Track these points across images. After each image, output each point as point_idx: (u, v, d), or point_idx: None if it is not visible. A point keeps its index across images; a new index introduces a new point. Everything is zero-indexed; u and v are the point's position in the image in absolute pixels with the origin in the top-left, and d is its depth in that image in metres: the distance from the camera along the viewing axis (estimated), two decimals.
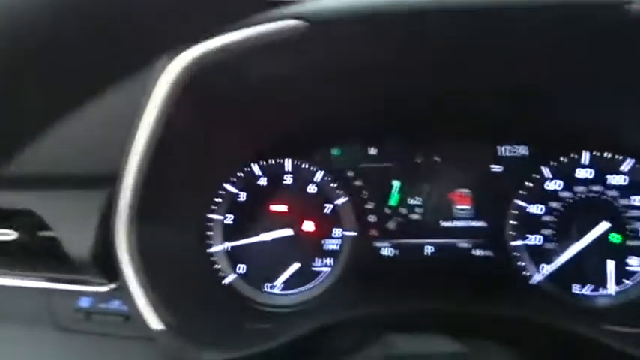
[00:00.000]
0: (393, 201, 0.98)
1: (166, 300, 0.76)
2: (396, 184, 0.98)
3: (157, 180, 0.74)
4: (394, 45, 0.65)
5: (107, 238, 0.73)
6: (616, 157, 0.91)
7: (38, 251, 0.81)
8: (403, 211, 0.98)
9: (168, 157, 0.74)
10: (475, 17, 0.60)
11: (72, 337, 0.85)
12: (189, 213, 0.92)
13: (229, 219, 0.99)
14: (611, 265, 0.89)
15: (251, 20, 0.58)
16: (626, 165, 0.90)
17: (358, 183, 0.99)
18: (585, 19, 0.60)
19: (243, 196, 0.99)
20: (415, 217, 0.98)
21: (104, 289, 0.79)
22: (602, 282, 0.90)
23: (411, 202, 0.98)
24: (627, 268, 0.90)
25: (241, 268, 0.98)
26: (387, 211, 0.98)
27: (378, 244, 0.98)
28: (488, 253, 0.95)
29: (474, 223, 0.96)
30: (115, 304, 0.83)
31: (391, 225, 0.98)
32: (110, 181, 0.74)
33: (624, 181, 0.90)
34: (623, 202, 0.90)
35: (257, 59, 0.64)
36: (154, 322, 0.74)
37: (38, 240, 0.81)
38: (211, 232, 0.98)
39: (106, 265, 0.76)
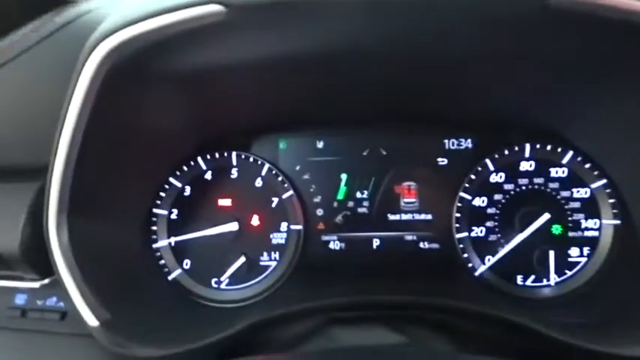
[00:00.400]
0: (341, 194, 0.98)
1: (103, 296, 0.74)
2: (344, 177, 0.98)
3: (88, 173, 0.72)
4: (322, 34, 0.64)
5: (39, 232, 0.71)
6: (557, 149, 0.92)
7: None
8: (350, 204, 0.98)
9: (98, 149, 0.73)
10: (402, 8, 0.60)
11: (7, 336, 0.82)
12: (130, 207, 0.90)
13: (174, 213, 0.97)
14: (552, 256, 0.90)
15: (171, 6, 0.57)
16: (567, 157, 0.91)
17: (306, 176, 0.98)
18: (505, 12, 0.60)
19: (188, 190, 0.98)
20: (362, 210, 0.98)
21: (36, 285, 0.77)
22: (544, 273, 0.91)
23: (359, 195, 0.98)
24: (569, 259, 0.91)
25: (187, 263, 0.97)
26: (335, 204, 0.98)
27: (325, 237, 0.98)
28: (434, 245, 0.96)
29: (420, 216, 0.96)
30: (52, 301, 0.81)
31: (339, 218, 0.98)
32: (41, 172, 0.72)
33: (564, 174, 0.92)
34: (564, 193, 0.92)
35: (182, 46, 0.63)
36: (90, 319, 0.73)
37: None
38: (156, 227, 0.96)
39: (38, 261, 0.74)
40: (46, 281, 0.77)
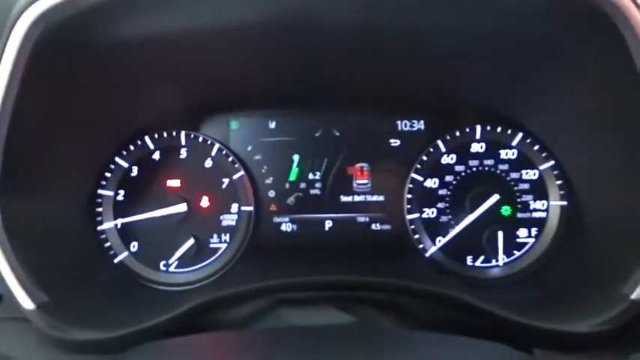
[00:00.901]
0: (293, 176, 0.97)
1: (40, 278, 0.71)
2: (296, 158, 0.96)
3: (21, 150, 0.69)
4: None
5: None
6: (507, 131, 0.93)
7: None
8: (303, 185, 0.97)
9: (31, 126, 0.69)
10: None
11: None
12: (71, 187, 0.86)
13: (121, 195, 0.94)
14: (501, 236, 0.91)
15: None
16: (516, 139, 0.92)
17: (257, 157, 0.96)
18: None
19: (135, 171, 0.95)
20: (315, 191, 0.97)
21: None
22: (493, 254, 0.92)
23: (311, 176, 0.97)
24: (517, 240, 0.92)
25: (134, 245, 0.94)
26: (287, 185, 0.97)
27: (277, 219, 0.96)
28: (386, 227, 0.96)
29: (372, 198, 0.96)
30: None
31: (290, 200, 0.97)
32: None
33: (514, 155, 0.93)
34: (514, 175, 0.93)
35: (117, 13, 0.60)
36: (25, 302, 0.70)
37: None
38: (101, 209, 0.93)
39: None
40: None
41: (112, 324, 0.75)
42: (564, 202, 0.90)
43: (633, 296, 0.67)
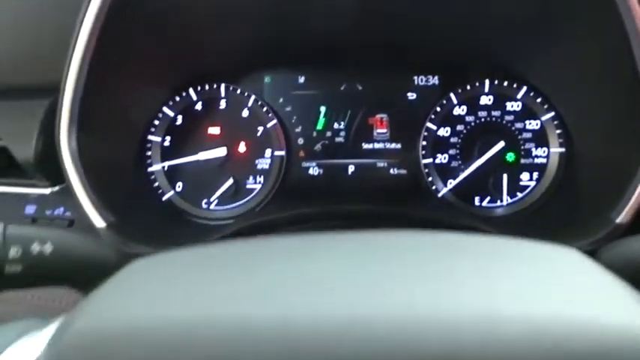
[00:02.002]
0: (320, 125, 1.08)
1: (107, 202, 0.83)
2: (323, 109, 1.08)
3: (95, 94, 0.81)
4: None
5: (51, 143, 0.80)
6: (513, 85, 1.03)
7: None
8: (328, 134, 1.08)
9: (103, 74, 0.81)
10: None
11: None
12: (128, 132, 0.99)
13: (167, 140, 1.06)
14: (505, 180, 1.02)
15: None
16: (521, 93, 1.03)
17: (288, 108, 1.08)
18: None
19: (180, 119, 1.07)
20: (339, 139, 1.08)
21: (48, 191, 0.85)
22: (498, 195, 1.03)
23: (336, 126, 1.08)
24: (520, 183, 1.04)
25: (179, 185, 1.06)
26: (314, 134, 1.08)
27: (305, 164, 1.08)
28: (402, 171, 1.07)
29: (390, 145, 1.07)
30: (60, 211, 0.90)
31: (317, 147, 1.08)
32: (51, 91, 0.80)
33: (518, 107, 1.03)
34: (518, 125, 1.03)
35: None
36: (98, 221, 0.82)
37: None
38: (150, 153, 1.05)
39: (50, 170, 0.83)
40: (56, 188, 0.85)
41: (164, 242, 0.87)
42: (563, 149, 1.01)
43: (618, 220, 0.79)
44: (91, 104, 0.81)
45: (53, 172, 0.82)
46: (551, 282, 0.34)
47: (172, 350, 0.29)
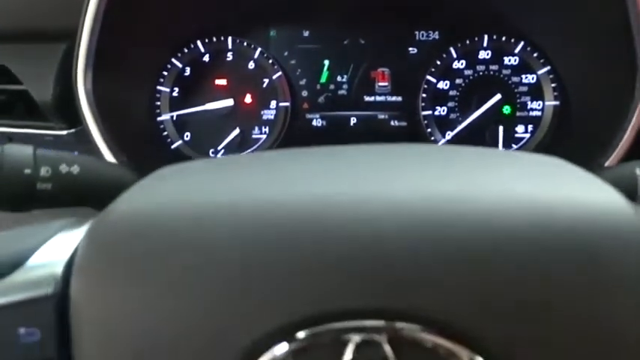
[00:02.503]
0: (323, 78, 1.12)
1: (121, 144, 0.88)
2: (326, 62, 1.11)
3: (109, 40, 0.85)
4: None
5: (68, 85, 0.84)
6: (510, 40, 1.07)
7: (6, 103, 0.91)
8: (332, 87, 1.12)
9: (117, 22, 0.85)
10: None
11: None
12: (139, 81, 1.03)
13: (176, 91, 1.10)
14: (501, 131, 1.07)
15: None
16: (518, 48, 1.06)
17: (293, 61, 1.11)
18: None
19: (188, 71, 1.10)
20: (342, 92, 1.12)
21: (64, 133, 0.89)
22: (494, 146, 1.08)
23: (339, 79, 1.12)
24: (515, 135, 1.08)
25: (187, 135, 1.10)
26: (318, 87, 1.12)
27: (309, 115, 1.12)
28: (403, 123, 1.11)
29: (391, 98, 1.11)
30: (74, 153, 0.94)
31: (321, 99, 1.12)
32: (68, 35, 0.84)
33: (515, 62, 1.07)
34: (515, 79, 1.07)
35: None
36: (111, 159, 0.87)
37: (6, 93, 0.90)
38: (159, 103, 1.09)
39: (67, 112, 0.87)
40: (72, 130, 0.89)
41: None
42: (557, 102, 1.05)
43: (606, 164, 0.84)
44: (105, 49, 0.85)
45: (70, 115, 0.86)
46: (527, 169, 0.39)
47: (216, 228, 0.33)
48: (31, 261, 0.39)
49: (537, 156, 0.43)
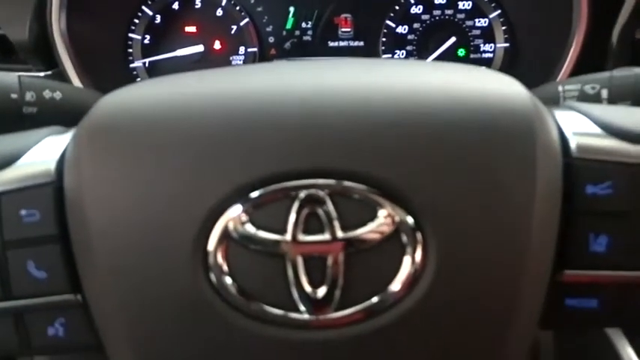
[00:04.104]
0: (289, 24, 1.17)
1: (96, 85, 0.93)
2: (292, 9, 1.17)
3: None
4: None
5: (44, 27, 0.88)
6: None
7: None
8: (297, 33, 1.18)
9: None
10: None
11: None
12: (112, 27, 1.08)
13: (147, 39, 1.14)
14: None
15: None
16: None
17: (259, 9, 1.16)
18: None
19: (158, 19, 1.14)
20: (307, 38, 1.18)
21: (42, 74, 0.94)
22: None
23: (304, 25, 1.17)
24: None
25: None
26: (284, 33, 1.17)
27: (276, 61, 1.18)
28: None
29: (354, 43, 1.18)
30: None
31: (287, 45, 1.18)
32: None
33: (469, 6, 1.14)
34: (469, 23, 1.15)
35: None
36: None
37: None
38: (131, 50, 1.14)
39: (44, 55, 0.91)
40: (49, 72, 0.94)
41: None
42: (507, 44, 1.13)
43: None
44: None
45: (47, 57, 0.91)
46: (451, 69, 0.46)
47: (183, 110, 0.39)
48: (28, 155, 0.45)
49: (463, 64, 0.51)
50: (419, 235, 0.37)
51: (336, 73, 0.44)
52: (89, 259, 0.40)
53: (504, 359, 0.41)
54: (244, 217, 0.36)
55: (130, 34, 1.13)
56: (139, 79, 1.14)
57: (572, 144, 0.42)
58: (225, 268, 0.37)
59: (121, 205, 0.39)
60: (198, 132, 0.38)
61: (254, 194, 0.37)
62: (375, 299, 0.37)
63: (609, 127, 0.44)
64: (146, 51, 1.14)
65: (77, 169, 0.41)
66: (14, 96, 0.61)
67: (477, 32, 1.14)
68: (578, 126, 0.44)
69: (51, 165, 0.44)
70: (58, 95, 0.63)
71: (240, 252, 0.37)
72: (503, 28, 1.13)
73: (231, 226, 0.37)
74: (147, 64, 1.14)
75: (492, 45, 1.14)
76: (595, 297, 0.43)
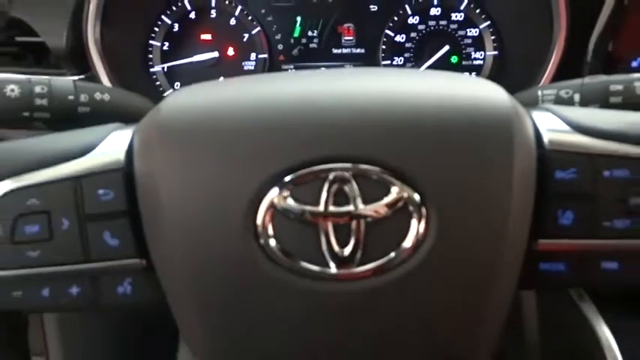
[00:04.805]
0: (296, 33, 1.27)
1: (123, 86, 1.03)
2: (299, 19, 1.27)
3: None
4: None
5: (79, 36, 0.98)
6: None
7: (17, 54, 1.04)
8: (304, 40, 1.28)
9: None
10: None
11: None
12: (136, 37, 1.18)
13: (166, 45, 1.24)
14: None
15: None
16: (463, 4, 1.24)
17: (269, 18, 1.26)
18: None
19: (176, 27, 1.24)
20: (313, 45, 1.28)
21: (76, 78, 1.04)
22: None
23: (310, 33, 1.27)
24: None
25: (177, 85, 1.25)
26: (292, 41, 1.28)
27: (284, 66, 1.28)
28: None
29: (356, 50, 1.28)
30: None
31: (295, 52, 1.28)
32: None
33: (461, 17, 1.25)
34: (461, 32, 1.25)
35: None
36: None
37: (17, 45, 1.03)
38: (152, 56, 1.23)
39: (79, 60, 1.01)
40: (83, 76, 1.04)
41: None
42: (496, 52, 1.24)
43: None
44: (108, 5, 0.99)
45: (80, 63, 1.01)
46: (443, 76, 0.56)
47: (231, 113, 0.50)
48: (100, 147, 0.55)
49: (456, 73, 0.61)
50: (423, 209, 0.48)
51: (353, 80, 0.55)
52: (158, 229, 0.50)
53: (489, 311, 0.51)
54: (286, 193, 0.47)
55: (151, 42, 1.22)
56: (158, 82, 1.23)
57: (546, 139, 0.53)
58: (270, 233, 0.47)
59: (187, 185, 0.49)
60: (247, 126, 0.48)
61: (295, 175, 0.47)
62: (387, 258, 0.47)
63: (576, 126, 0.54)
64: (165, 57, 1.24)
65: (149, 156, 0.51)
66: (71, 97, 0.71)
67: (469, 41, 1.25)
68: (551, 124, 0.55)
69: (120, 154, 0.54)
70: (107, 97, 0.73)
71: (282, 221, 0.47)
72: (493, 37, 1.24)
73: (276, 200, 0.47)
74: (165, 69, 1.24)
75: (482, 53, 1.25)
76: (563, 262, 0.54)
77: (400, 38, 1.26)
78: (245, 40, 1.25)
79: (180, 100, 0.54)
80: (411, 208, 0.47)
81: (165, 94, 1.24)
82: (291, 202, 0.47)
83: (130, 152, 0.54)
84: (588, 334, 1.10)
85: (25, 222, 0.51)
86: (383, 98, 0.50)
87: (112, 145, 0.55)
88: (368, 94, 0.50)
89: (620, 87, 0.69)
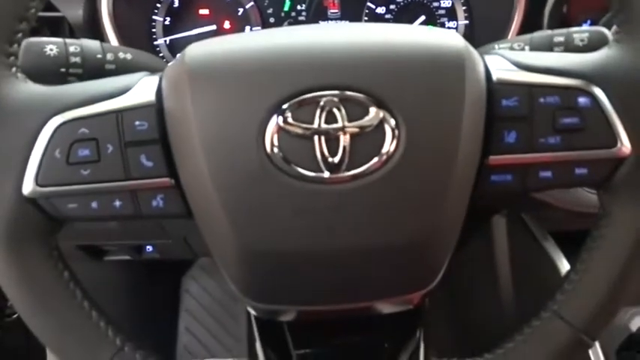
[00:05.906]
0: (286, 7, 1.39)
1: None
2: None
3: None
4: None
5: (95, 11, 1.10)
6: None
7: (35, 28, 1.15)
8: (293, 14, 1.39)
9: None
10: None
11: None
12: (141, 12, 1.30)
13: (167, 20, 1.36)
14: None
15: None
16: None
17: None
18: None
19: (177, 2, 1.36)
20: (301, 18, 1.40)
21: None
22: None
23: (299, 7, 1.39)
24: None
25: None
26: (282, 14, 1.39)
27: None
28: None
29: (340, 22, 1.41)
30: None
31: (285, 24, 1.40)
32: None
33: None
34: (435, 4, 1.38)
35: None
36: None
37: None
38: (155, 30, 1.35)
39: (94, 33, 1.13)
40: None
41: None
42: (467, 22, 1.37)
43: None
44: None
45: (95, 35, 1.12)
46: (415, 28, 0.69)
47: (251, 55, 0.63)
48: (135, 87, 0.67)
49: (424, 26, 0.74)
50: (395, 128, 0.61)
51: (340, 29, 0.68)
52: (185, 152, 0.63)
53: (448, 211, 0.64)
54: (288, 114, 0.60)
55: (154, 17, 1.34)
56: (161, 54, 1.35)
57: (494, 76, 0.67)
58: (276, 143, 0.60)
59: (212, 113, 0.62)
60: (258, 65, 0.62)
61: (294, 100, 0.60)
62: (367, 165, 0.61)
63: (519, 64, 0.68)
64: (167, 30, 1.35)
65: (176, 94, 0.64)
66: (99, 56, 0.83)
67: (443, 12, 1.38)
68: (499, 64, 0.68)
69: (152, 93, 0.66)
70: (129, 56, 0.85)
71: (286, 135, 0.60)
72: (464, 8, 1.37)
73: (280, 121, 0.60)
74: (167, 42, 1.36)
75: (455, 22, 1.38)
76: (509, 173, 0.68)
77: (381, 10, 1.38)
78: (240, 14, 1.37)
79: (202, 47, 0.66)
80: (385, 126, 0.61)
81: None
82: (291, 121, 0.60)
83: (159, 92, 0.67)
84: (550, 267, 1.26)
85: (78, 147, 0.63)
86: (364, 40, 0.63)
87: (144, 86, 0.68)
88: (353, 38, 0.64)
89: (561, 38, 0.83)
